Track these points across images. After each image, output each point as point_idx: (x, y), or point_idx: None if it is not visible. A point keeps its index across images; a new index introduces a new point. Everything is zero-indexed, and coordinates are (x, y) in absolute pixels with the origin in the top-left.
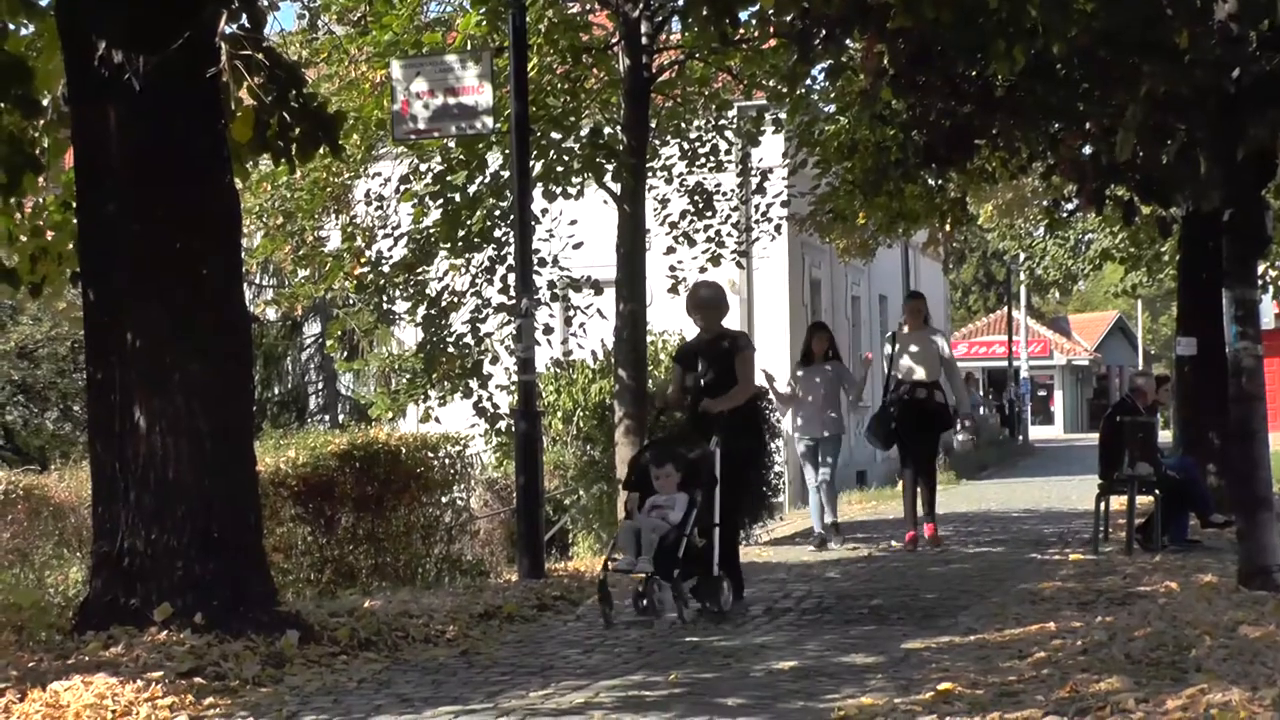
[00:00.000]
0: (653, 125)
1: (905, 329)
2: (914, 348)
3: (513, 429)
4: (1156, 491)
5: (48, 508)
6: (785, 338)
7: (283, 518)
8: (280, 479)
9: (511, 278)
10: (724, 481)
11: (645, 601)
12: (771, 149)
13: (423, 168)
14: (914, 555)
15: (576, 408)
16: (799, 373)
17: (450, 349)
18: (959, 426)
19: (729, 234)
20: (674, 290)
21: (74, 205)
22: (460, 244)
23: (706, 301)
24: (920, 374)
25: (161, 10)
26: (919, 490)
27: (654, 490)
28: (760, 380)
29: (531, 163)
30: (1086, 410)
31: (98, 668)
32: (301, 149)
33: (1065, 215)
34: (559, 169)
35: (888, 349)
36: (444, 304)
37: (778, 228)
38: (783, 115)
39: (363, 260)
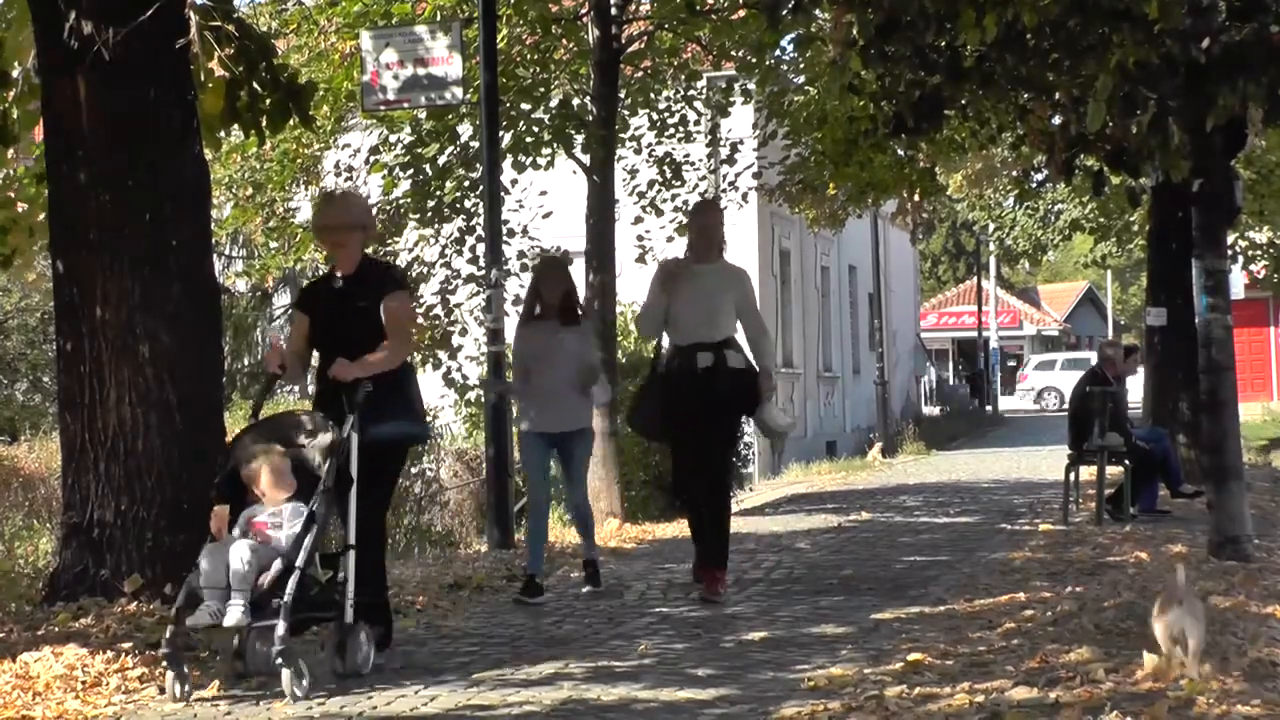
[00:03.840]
0: (622, 96)
1: (689, 263)
2: (698, 290)
3: (482, 400)
4: (1126, 462)
5: (17, 479)
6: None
7: None
8: None
9: (481, 248)
10: (365, 483)
11: (242, 663)
12: (741, 120)
13: (392, 139)
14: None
15: None
16: (523, 333)
17: (420, 320)
18: (770, 402)
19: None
20: (641, 260)
21: (45, 177)
22: (430, 214)
23: (338, 220)
24: (706, 331)
25: None
26: (709, 513)
27: (252, 499)
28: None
29: (501, 133)
30: None
31: (67, 638)
32: (271, 120)
33: (1035, 186)
34: (529, 140)
35: (658, 291)
36: (414, 275)
37: (745, 196)
38: (752, 86)
39: None
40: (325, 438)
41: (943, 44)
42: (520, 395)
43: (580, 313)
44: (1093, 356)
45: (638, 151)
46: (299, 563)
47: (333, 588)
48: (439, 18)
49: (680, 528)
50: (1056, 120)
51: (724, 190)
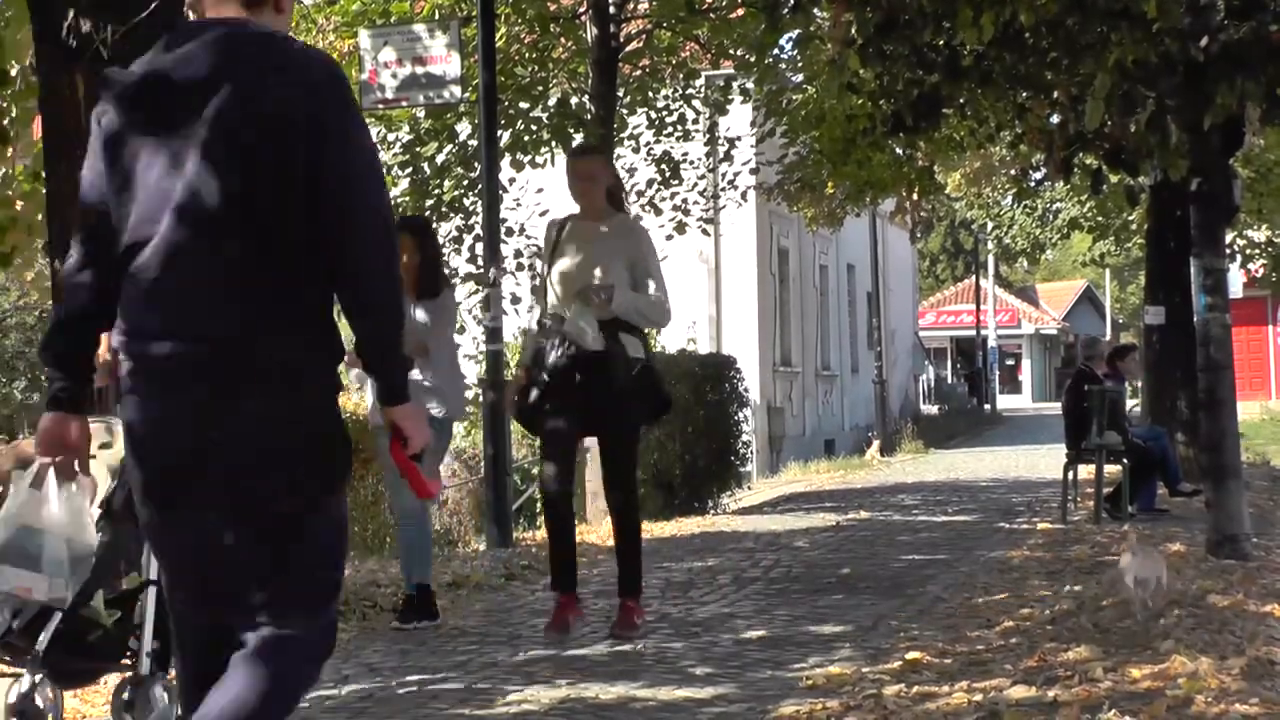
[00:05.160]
0: (620, 94)
1: (575, 221)
2: (582, 255)
3: (480, 399)
4: (1124, 460)
5: None
6: (753, 307)
7: None
8: None
9: (479, 247)
10: None
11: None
12: (739, 118)
13: (391, 137)
14: (877, 527)
15: None
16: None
17: None
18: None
19: (695, 202)
20: None
21: (43, 175)
22: (429, 212)
23: None
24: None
25: None
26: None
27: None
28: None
29: (500, 132)
30: (1054, 379)
31: None
32: None
33: (1033, 184)
34: (527, 139)
35: (546, 259)
36: None
37: (744, 195)
38: (750, 84)
39: None
40: (117, 449)
41: (941, 43)
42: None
43: (440, 284)
44: None
45: (636, 150)
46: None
47: (124, 632)
48: (437, 16)
49: (679, 526)
50: (1055, 119)
51: (723, 189)
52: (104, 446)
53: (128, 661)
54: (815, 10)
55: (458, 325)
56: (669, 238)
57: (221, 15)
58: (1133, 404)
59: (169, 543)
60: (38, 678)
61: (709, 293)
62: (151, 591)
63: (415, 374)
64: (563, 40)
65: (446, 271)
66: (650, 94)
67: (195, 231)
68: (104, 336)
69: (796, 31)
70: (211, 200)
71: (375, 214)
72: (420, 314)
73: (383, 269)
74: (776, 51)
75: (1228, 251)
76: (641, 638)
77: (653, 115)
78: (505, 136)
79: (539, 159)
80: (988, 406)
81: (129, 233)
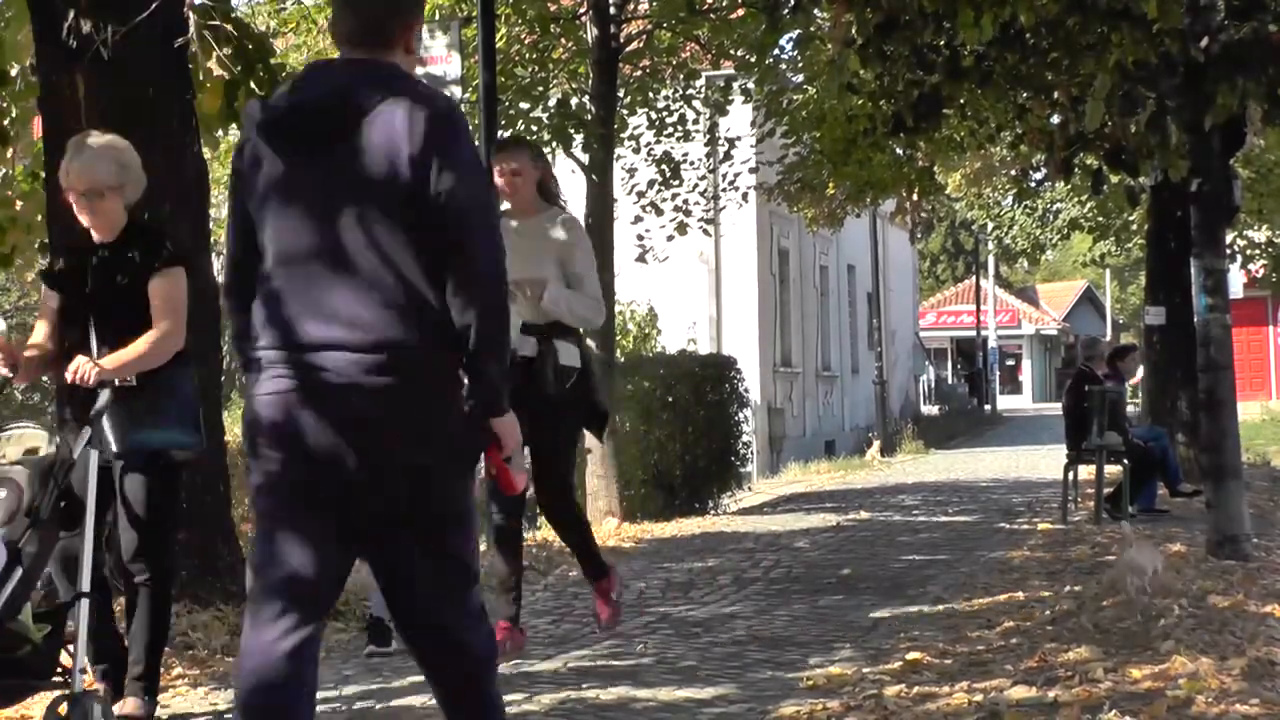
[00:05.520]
0: (621, 95)
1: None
2: (514, 252)
3: None
4: (1125, 461)
5: None
6: (754, 307)
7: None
8: None
9: None
10: (136, 509)
11: None
12: (739, 119)
13: None
14: (877, 528)
15: None
16: None
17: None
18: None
19: (696, 203)
20: (641, 259)
21: (43, 175)
22: None
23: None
24: (527, 308)
25: None
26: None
27: None
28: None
29: (500, 132)
30: (1054, 380)
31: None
32: None
33: (1033, 185)
34: (527, 139)
35: None
36: None
37: (745, 195)
38: (751, 85)
39: None
40: (46, 454)
41: (941, 43)
42: None
43: None
44: None
45: (636, 150)
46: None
47: (54, 647)
48: (437, 16)
49: (679, 526)
50: (1055, 119)
51: (723, 190)
52: (30, 453)
53: (59, 679)
54: (815, 10)
55: None
56: (670, 238)
57: (358, 56)
58: (1132, 410)
59: (300, 541)
60: None
61: (709, 293)
62: (84, 604)
63: None
64: (563, 40)
65: None
66: (651, 94)
67: (344, 250)
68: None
69: (797, 32)
70: (355, 222)
71: (489, 238)
72: None
73: (495, 290)
74: (777, 52)
75: (1228, 252)
76: (620, 610)
77: (653, 116)
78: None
79: None
80: (988, 407)
81: (274, 253)
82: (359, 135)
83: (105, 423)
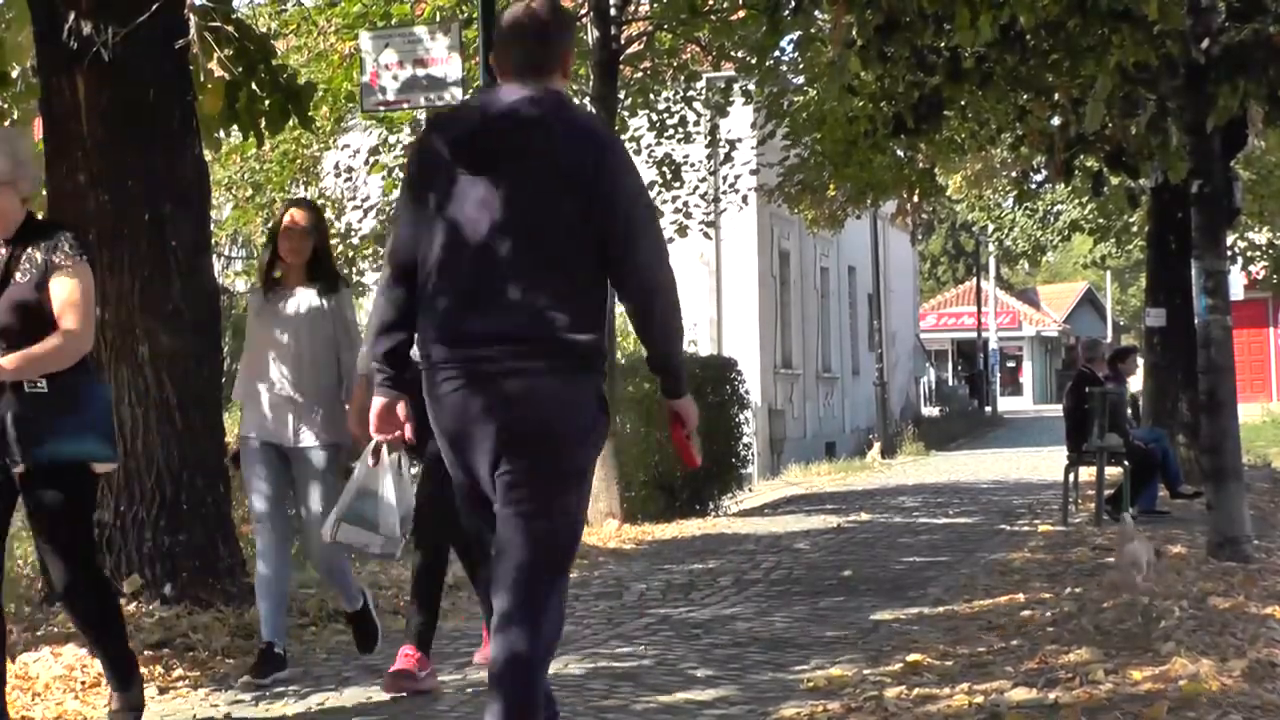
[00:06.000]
0: (621, 96)
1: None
2: None
3: None
4: (1125, 462)
5: None
6: (754, 309)
7: None
8: None
9: None
10: (40, 524)
11: None
12: (740, 120)
13: (392, 139)
14: (878, 529)
15: None
16: (257, 307)
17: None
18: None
19: (696, 205)
20: None
21: (42, 176)
22: None
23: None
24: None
25: None
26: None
27: None
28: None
29: None
30: (1055, 381)
31: (67, 639)
32: (270, 121)
33: (1034, 186)
34: None
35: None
36: None
37: (745, 197)
38: (751, 86)
39: (332, 232)
40: None
41: (942, 45)
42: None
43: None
44: None
45: (637, 152)
46: None
47: None
48: (438, 18)
49: (680, 528)
50: (1056, 121)
51: (724, 191)
52: None
53: None
54: (816, 12)
55: None
56: (670, 240)
57: (524, 82)
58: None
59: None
60: None
61: (710, 295)
62: None
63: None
64: None
65: None
66: (651, 96)
67: (512, 255)
68: None
69: (797, 33)
70: (523, 231)
71: (654, 242)
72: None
73: (666, 291)
74: (777, 53)
75: (1228, 253)
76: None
77: (654, 117)
78: None
79: None
80: (988, 408)
81: (438, 258)
82: (539, 153)
83: (9, 429)
